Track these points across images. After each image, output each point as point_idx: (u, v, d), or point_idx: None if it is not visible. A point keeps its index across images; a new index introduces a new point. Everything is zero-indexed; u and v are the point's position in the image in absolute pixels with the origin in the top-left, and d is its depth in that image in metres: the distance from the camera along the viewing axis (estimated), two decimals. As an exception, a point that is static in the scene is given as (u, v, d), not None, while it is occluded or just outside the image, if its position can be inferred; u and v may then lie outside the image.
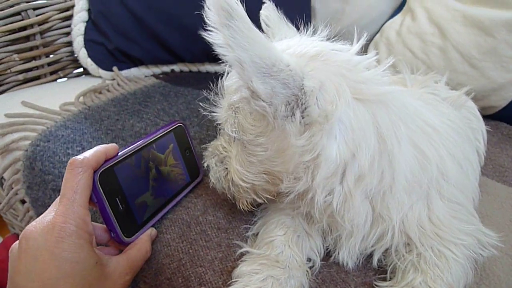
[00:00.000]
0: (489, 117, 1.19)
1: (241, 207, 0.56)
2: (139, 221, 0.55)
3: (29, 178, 0.76)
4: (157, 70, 1.18)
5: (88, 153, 0.48)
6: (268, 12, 0.60)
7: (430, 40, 1.14)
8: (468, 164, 0.60)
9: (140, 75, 1.14)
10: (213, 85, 0.54)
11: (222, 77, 0.53)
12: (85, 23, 1.06)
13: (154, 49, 1.11)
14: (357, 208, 0.47)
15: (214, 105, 0.54)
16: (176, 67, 1.20)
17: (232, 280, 0.47)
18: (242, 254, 0.52)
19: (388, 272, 0.52)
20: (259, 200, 0.53)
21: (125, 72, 1.12)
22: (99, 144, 0.77)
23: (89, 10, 1.06)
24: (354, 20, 1.34)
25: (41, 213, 0.75)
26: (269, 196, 0.53)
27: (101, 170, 0.49)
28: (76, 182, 0.45)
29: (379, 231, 0.51)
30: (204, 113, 0.55)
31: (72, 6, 1.06)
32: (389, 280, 0.51)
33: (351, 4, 1.34)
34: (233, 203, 0.58)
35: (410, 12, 1.22)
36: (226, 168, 0.55)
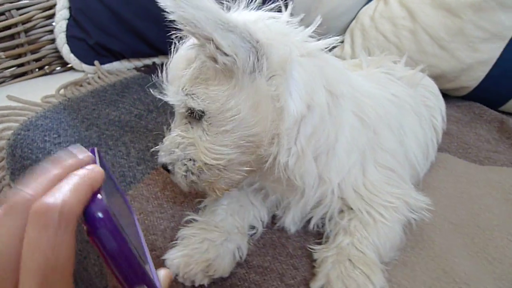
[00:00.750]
0: (463, 97, 1.22)
1: (218, 194, 0.53)
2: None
3: (11, 164, 0.82)
4: (139, 63, 1.23)
5: (66, 193, 0.26)
6: None
7: (401, 23, 1.16)
8: (407, 135, 0.64)
9: (122, 69, 1.19)
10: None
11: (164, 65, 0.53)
12: (67, 20, 1.12)
13: (134, 43, 1.16)
14: (307, 167, 0.51)
15: (164, 93, 0.54)
16: (158, 60, 1.25)
17: (173, 242, 0.53)
18: (188, 221, 0.57)
19: (324, 237, 0.57)
20: (237, 177, 0.51)
21: (107, 66, 1.17)
22: (74, 132, 0.84)
23: (70, 8, 1.12)
24: (332, 8, 1.37)
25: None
26: (247, 169, 0.51)
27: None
28: (52, 251, 0.25)
29: (319, 194, 0.55)
30: (159, 97, 0.58)
31: (54, 5, 1.11)
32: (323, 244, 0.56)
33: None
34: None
35: (383, -2, 1.25)
36: (190, 159, 0.51)
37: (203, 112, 0.48)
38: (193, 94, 0.48)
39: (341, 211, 0.57)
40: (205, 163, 0.50)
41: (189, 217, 0.57)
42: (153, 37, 1.15)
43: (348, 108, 0.53)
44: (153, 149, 0.59)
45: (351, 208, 0.57)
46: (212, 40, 0.43)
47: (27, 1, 1.07)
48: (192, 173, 0.51)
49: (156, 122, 0.90)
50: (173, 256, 0.50)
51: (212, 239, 0.51)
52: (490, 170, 0.85)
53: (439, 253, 0.58)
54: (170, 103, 0.53)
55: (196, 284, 0.49)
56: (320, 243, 0.56)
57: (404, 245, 0.58)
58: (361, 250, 0.51)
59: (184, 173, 0.51)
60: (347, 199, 0.56)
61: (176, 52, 0.53)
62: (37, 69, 1.14)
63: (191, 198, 0.65)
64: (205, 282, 0.49)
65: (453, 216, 0.68)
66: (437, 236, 0.62)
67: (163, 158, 0.53)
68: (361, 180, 0.56)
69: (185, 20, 0.42)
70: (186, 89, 0.49)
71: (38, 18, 1.10)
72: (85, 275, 0.71)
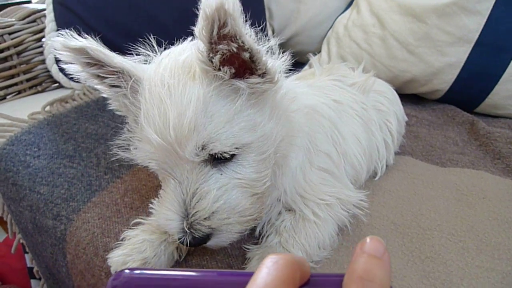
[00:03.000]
0: (437, 101, 1.23)
1: (257, 220, 0.52)
2: None
3: (-3, 177, 0.90)
4: (125, 78, 1.30)
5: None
6: None
7: (371, 30, 1.20)
8: (345, 138, 0.67)
9: (109, 84, 1.27)
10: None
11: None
12: (56, 42, 1.21)
13: (118, 60, 1.23)
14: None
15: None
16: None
17: (117, 243, 0.58)
18: (137, 223, 0.62)
19: (260, 238, 0.61)
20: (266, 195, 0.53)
21: (94, 82, 1.25)
22: (54, 145, 0.91)
23: (57, 31, 1.21)
24: (310, 17, 1.42)
25: (8, 206, 0.89)
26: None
27: None
28: None
29: (271, 200, 0.59)
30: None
31: (44, 28, 1.21)
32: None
33: (306, 3, 1.42)
34: (152, 187, 0.68)
35: (356, 7, 1.29)
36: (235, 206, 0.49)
37: (236, 150, 0.47)
38: (224, 139, 0.45)
39: (279, 214, 0.62)
40: (256, 194, 0.50)
41: (137, 220, 0.62)
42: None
43: (297, 116, 0.58)
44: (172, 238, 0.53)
45: (289, 210, 0.61)
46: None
47: (19, 26, 1.16)
48: (246, 216, 0.49)
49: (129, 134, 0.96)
50: (114, 255, 0.55)
51: (151, 240, 0.56)
52: (450, 171, 0.87)
53: (372, 251, 0.61)
54: (184, 162, 0.46)
55: (133, 281, 0.54)
56: (257, 243, 0.60)
57: (338, 245, 0.61)
58: (286, 249, 0.55)
59: (238, 226, 0.49)
60: (289, 200, 0.60)
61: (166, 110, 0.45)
62: (29, 88, 1.23)
63: (147, 204, 0.70)
64: (141, 279, 0.54)
65: (397, 217, 0.71)
66: (375, 235, 0.65)
67: (196, 232, 0.47)
68: (301, 181, 0.60)
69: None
70: (211, 137, 0.44)
71: (29, 41, 1.19)
72: (58, 276, 0.77)
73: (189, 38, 0.52)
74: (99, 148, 0.89)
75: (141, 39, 1.14)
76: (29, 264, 1.35)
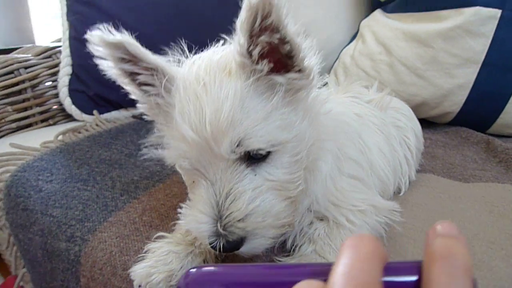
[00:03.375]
0: (450, 123, 1.24)
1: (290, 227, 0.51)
2: None
3: (6, 204, 0.87)
4: (136, 111, 1.31)
5: None
6: None
7: (378, 58, 1.23)
8: (371, 149, 0.66)
9: (120, 117, 1.28)
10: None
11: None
12: (69, 76, 1.23)
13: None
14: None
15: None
16: (154, 107, 1.33)
17: (139, 255, 0.54)
18: (158, 237, 0.58)
19: (292, 249, 0.57)
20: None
21: (106, 115, 1.26)
22: (67, 170, 0.89)
23: (72, 65, 1.24)
24: (318, 50, 1.46)
25: (16, 235, 0.85)
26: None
27: None
28: None
29: (303, 207, 0.56)
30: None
31: (59, 63, 1.24)
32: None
33: (311, 38, 1.47)
34: (171, 206, 0.65)
35: (361, 38, 1.33)
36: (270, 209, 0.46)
37: (270, 150, 0.45)
38: (260, 136, 0.44)
39: (311, 223, 0.58)
40: (289, 197, 0.48)
41: (159, 233, 0.58)
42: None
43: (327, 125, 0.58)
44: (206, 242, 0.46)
45: (320, 219, 0.58)
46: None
47: (35, 61, 1.19)
48: (281, 220, 0.47)
49: (144, 160, 0.94)
50: (137, 267, 0.51)
51: (177, 251, 0.52)
52: (475, 186, 0.85)
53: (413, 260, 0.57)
54: (218, 160, 0.44)
55: (158, 295, 0.49)
56: (288, 256, 0.56)
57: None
58: (323, 256, 0.51)
59: (272, 231, 0.46)
60: (319, 208, 0.57)
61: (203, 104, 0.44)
62: (40, 121, 1.23)
63: (167, 222, 0.67)
64: (168, 292, 0.49)
65: (427, 226, 0.67)
66: (410, 246, 0.61)
67: (230, 235, 0.44)
68: (332, 189, 0.58)
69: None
70: (247, 133, 0.43)
71: (43, 75, 1.21)
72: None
73: (220, 43, 0.53)
74: (114, 172, 0.87)
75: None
76: (28, 309, 1.26)
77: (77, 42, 1.21)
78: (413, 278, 0.26)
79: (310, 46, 0.45)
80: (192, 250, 0.53)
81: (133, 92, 0.53)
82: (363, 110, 0.76)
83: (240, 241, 0.44)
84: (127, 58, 0.48)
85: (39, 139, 1.10)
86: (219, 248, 0.44)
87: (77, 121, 1.27)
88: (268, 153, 0.46)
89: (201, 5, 1.29)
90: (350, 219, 0.55)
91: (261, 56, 0.44)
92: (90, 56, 1.30)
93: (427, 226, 0.68)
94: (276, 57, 0.44)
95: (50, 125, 1.26)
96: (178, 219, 0.66)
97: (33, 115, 1.21)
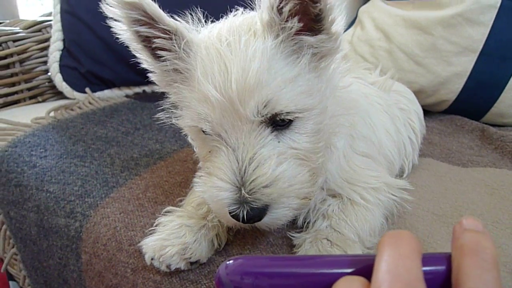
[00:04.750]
0: (445, 112, 1.25)
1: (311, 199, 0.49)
2: None
3: (-4, 180, 0.83)
4: (129, 91, 1.27)
5: None
6: None
7: (377, 44, 1.23)
8: (377, 128, 0.65)
9: (113, 96, 1.23)
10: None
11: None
12: (61, 51, 1.18)
13: (124, 71, 1.21)
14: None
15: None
16: (147, 88, 1.29)
17: (151, 229, 0.52)
18: (167, 212, 0.56)
19: (304, 226, 0.56)
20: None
21: (98, 94, 1.21)
22: (62, 146, 0.85)
23: (64, 40, 1.18)
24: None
25: (7, 212, 0.81)
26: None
27: None
28: None
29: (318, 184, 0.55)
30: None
31: (49, 38, 1.18)
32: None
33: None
34: (175, 183, 0.63)
35: (360, 24, 1.33)
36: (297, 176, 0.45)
37: (297, 115, 0.44)
38: (287, 99, 0.42)
39: (323, 200, 0.57)
40: (312, 168, 0.47)
41: (169, 208, 0.56)
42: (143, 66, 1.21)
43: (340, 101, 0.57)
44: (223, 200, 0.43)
45: (333, 196, 0.57)
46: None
47: (24, 34, 1.13)
48: (304, 190, 0.45)
49: (142, 138, 0.92)
50: (148, 240, 0.49)
51: (190, 224, 0.51)
52: (473, 170, 0.86)
53: (422, 237, 0.58)
54: (242, 124, 0.43)
55: (172, 268, 0.47)
56: (298, 232, 0.56)
57: (386, 232, 0.57)
58: (339, 231, 0.50)
59: (296, 200, 0.44)
60: (333, 186, 0.56)
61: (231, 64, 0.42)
62: (29, 98, 1.18)
63: (173, 198, 0.65)
64: (181, 265, 0.48)
65: (436, 208, 0.68)
66: (420, 224, 0.62)
67: (253, 203, 0.42)
68: (345, 167, 0.57)
69: None
70: (275, 95, 0.42)
71: (33, 50, 1.15)
72: (65, 287, 0.69)
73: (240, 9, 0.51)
74: (112, 149, 0.84)
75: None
76: (13, 293, 1.22)
77: (70, 16, 1.15)
78: (443, 267, 0.27)
79: (339, 10, 0.44)
80: (204, 224, 0.52)
81: (146, 59, 0.51)
82: (368, 90, 0.75)
83: (264, 210, 0.42)
84: (144, 20, 0.46)
85: (28, 115, 1.05)
86: (242, 217, 0.42)
87: (67, 99, 1.22)
88: (292, 120, 0.45)
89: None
90: (364, 196, 0.55)
91: (291, 15, 0.42)
92: (83, 30, 1.25)
93: (433, 206, 0.69)
94: (304, 18, 0.43)
95: (38, 102, 1.21)
96: (183, 195, 0.64)
97: (21, 91, 1.15)
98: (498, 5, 1.04)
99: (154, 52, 0.49)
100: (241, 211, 0.42)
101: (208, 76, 0.43)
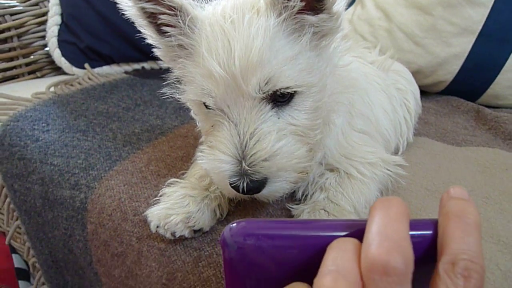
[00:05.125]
0: (441, 93, 1.27)
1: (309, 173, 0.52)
2: None
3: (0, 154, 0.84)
4: (128, 68, 1.27)
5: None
6: None
7: (377, 24, 1.23)
8: (375, 106, 0.67)
9: (112, 73, 1.23)
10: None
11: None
12: (59, 26, 1.17)
13: (123, 47, 1.20)
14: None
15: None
16: (146, 65, 1.29)
17: (155, 199, 0.54)
18: (171, 184, 0.58)
19: (302, 198, 0.59)
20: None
21: (97, 70, 1.21)
22: (64, 121, 0.86)
23: (62, 15, 1.17)
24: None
25: (11, 185, 0.82)
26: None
27: None
28: None
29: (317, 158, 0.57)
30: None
31: (47, 12, 1.17)
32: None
33: None
34: (177, 157, 0.65)
35: (360, 2, 1.32)
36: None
37: (296, 92, 0.46)
38: (288, 75, 0.44)
39: (321, 174, 0.60)
40: (309, 143, 0.49)
41: (172, 179, 0.58)
42: (143, 42, 1.20)
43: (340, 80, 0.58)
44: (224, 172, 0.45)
45: (331, 171, 0.59)
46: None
47: (21, 8, 1.12)
48: (301, 164, 0.47)
49: (143, 114, 0.93)
50: (154, 210, 0.51)
51: (193, 195, 0.53)
52: (467, 149, 0.89)
53: (414, 211, 0.60)
54: (244, 100, 0.44)
55: (177, 235, 0.50)
56: (299, 203, 0.58)
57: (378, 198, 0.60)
58: (335, 202, 0.53)
59: (294, 174, 0.46)
60: (331, 161, 0.58)
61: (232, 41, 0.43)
62: (27, 73, 1.17)
63: (175, 171, 0.67)
64: (185, 233, 0.50)
65: (429, 184, 0.71)
66: (413, 199, 0.64)
67: (253, 175, 0.44)
68: (343, 143, 0.59)
69: None
70: (276, 72, 0.44)
71: (31, 24, 1.14)
72: (65, 260, 0.72)
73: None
74: (113, 124, 0.85)
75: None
76: (16, 265, 1.25)
77: (67, -11, 1.14)
78: (430, 232, 0.29)
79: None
80: (207, 195, 0.54)
81: (151, 35, 0.51)
82: (367, 69, 0.77)
83: (263, 182, 0.45)
84: None
85: (27, 91, 1.05)
86: (242, 189, 0.44)
87: (66, 75, 1.22)
88: (292, 96, 0.46)
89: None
90: (360, 171, 0.57)
91: None
92: (82, 4, 1.23)
93: (426, 182, 0.71)
94: None
95: (37, 77, 1.21)
96: (185, 169, 0.66)
97: (20, 65, 1.15)
98: (499, -15, 1.04)
99: (159, 27, 0.50)
100: (241, 183, 0.44)
101: (212, 52, 0.44)
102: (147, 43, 1.23)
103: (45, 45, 1.19)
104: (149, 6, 0.47)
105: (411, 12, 1.16)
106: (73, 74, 1.20)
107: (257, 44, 0.42)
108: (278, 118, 0.46)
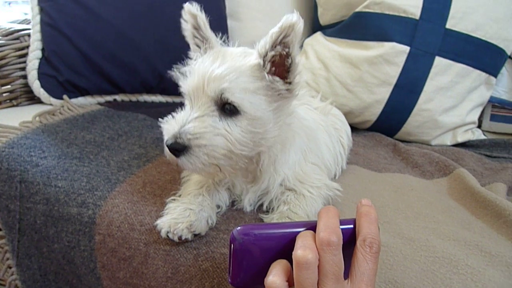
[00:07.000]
0: (368, 129, 1.58)
1: (226, 175, 0.70)
2: None
3: (-5, 178, 0.92)
4: (101, 99, 1.40)
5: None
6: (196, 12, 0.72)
7: (318, 73, 1.51)
8: (322, 145, 0.91)
9: (86, 103, 1.35)
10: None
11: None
12: (39, 60, 1.27)
13: (99, 81, 1.34)
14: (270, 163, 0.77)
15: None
16: (118, 97, 1.43)
17: (161, 212, 0.70)
18: (171, 201, 0.75)
19: (270, 211, 0.79)
20: (240, 165, 0.69)
21: (73, 101, 1.32)
22: (58, 148, 0.97)
23: (43, 50, 1.28)
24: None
25: (5, 206, 0.91)
26: (247, 160, 0.70)
27: None
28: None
29: (270, 182, 0.78)
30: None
31: (27, 46, 1.27)
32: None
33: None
34: (166, 180, 0.82)
35: (304, 53, 1.61)
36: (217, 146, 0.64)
37: (240, 112, 0.64)
38: (242, 98, 0.63)
39: (282, 192, 0.81)
40: (231, 151, 0.65)
41: (172, 198, 0.75)
42: (117, 78, 1.35)
43: (297, 126, 0.81)
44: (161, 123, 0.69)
45: (289, 190, 0.81)
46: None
47: (3, 42, 1.21)
48: (214, 158, 0.64)
49: (127, 143, 1.07)
50: (164, 219, 0.68)
51: (192, 208, 0.70)
52: (386, 175, 1.16)
53: (345, 216, 0.83)
54: (204, 95, 0.65)
55: (183, 238, 0.67)
56: (268, 213, 0.78)
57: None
58: (295, 212, 0.74)
59: (205, 157, 0.63)
60: (290, 184, 0.79)
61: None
62: (4, 101, 1.25)
63: (167, 192, 0.83)
64: (189, 236, 0.67)
65: (356, 200, 0.94)
66: (346, 210, 0.88)
67: (179, 139, 0.63)
68: (299, 171, 0.81)
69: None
70: (232, 89, 0.63)
71: (11, 57, 1.23)
72: (67, 267, 0.83)
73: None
74: (104, 152, 0.99)
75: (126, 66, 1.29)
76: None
77: (51, 29, 1.26)
78: (351, 226, 0.52)
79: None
80: (202, 208, 0.72)
81: (191, 45, 0.75)
82: (314, 114, 1.01)
83: (183, 148, 0.63)
84: (196, 26, 0.72)
85: (5, 119, 1.13)
86: (168, 144, 0.64)
87: (42, 104, 1.31)
88: (237, 114, 0.64)
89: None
90: (310, 192, 0.79)
91: (273, 63, 0.65)
92: (63, 42, 1.36)
93: (355, 199, 0.96)
94: (281, 67, 0.66)
95: (13, 105, 1.28)
96: (175, 190, 0.83)
97: (1, 94, 1.22)
98: (407, 51, 1.39)
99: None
100: (169, 140, 0.63)
101: (205, 61, 0.67)
102: (122, 78, 1.43)
103: (23, 76, 1.28)
104: (195, 32, 0.72)
105: (344, 65, 1.47)
106: (50, 104, 1.29)
107: (231, 69, 0.64)
108: (219, 120, 0.66)
